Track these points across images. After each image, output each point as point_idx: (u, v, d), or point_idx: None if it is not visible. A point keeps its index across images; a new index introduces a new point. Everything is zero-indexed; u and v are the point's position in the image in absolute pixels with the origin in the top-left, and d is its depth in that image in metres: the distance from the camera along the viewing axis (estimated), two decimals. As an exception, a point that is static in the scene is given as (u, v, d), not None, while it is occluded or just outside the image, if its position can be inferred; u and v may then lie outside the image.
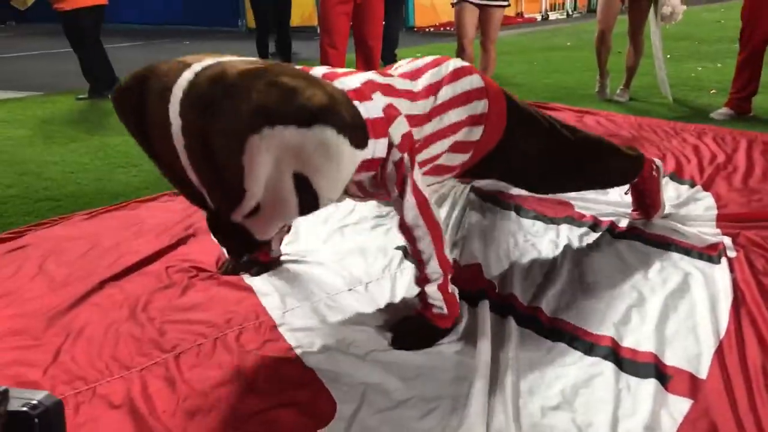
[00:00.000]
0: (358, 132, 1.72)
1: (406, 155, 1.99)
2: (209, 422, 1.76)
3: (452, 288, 2.15)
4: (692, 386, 1.86)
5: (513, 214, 3.08)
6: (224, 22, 11.26)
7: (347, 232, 2.95)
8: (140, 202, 3.32)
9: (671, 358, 1.99)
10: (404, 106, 2.09)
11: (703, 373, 1.92)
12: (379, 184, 2.05)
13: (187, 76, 1.66)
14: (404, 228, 2.07)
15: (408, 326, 2.16)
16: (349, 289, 2.45)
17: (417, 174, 2.05)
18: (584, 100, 5.49)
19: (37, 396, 0.82)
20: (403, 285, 2.47)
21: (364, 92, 1.96)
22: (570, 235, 2.82)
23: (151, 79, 1.71)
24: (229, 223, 1.81)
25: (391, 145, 1.96)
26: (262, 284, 2.46)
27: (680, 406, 1.79)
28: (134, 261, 2.65)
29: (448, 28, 9.82)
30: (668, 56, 5.60)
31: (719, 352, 2.00)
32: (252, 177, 1.64)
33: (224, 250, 2.68)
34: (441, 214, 3.00)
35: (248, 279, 2.50)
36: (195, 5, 11.41)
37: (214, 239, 1.97)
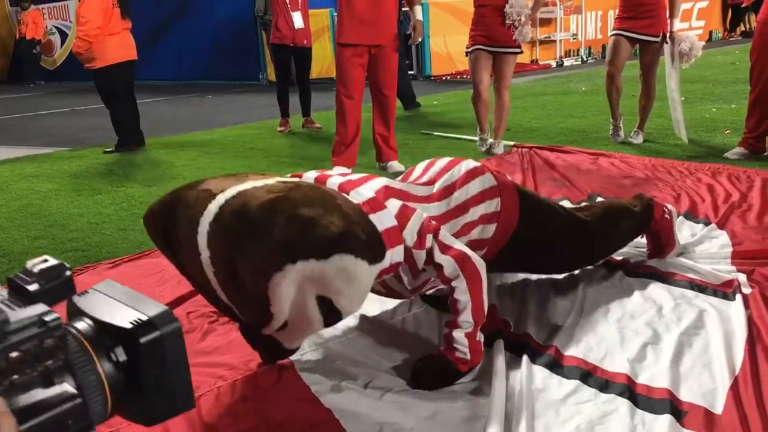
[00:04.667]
0: (375, 249, 1.84)
1: (428, 243, 2.07)
2: (228, 463, 1.80)
3: (480, 336, 2.17)
4: (707, 421, 1.87)
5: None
6: (246, 76, 11.54)
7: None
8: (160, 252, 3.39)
9: (686, 394, 1.99)
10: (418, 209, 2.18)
11: (718, 409, 1.92)
12: (414, 273, 2.14)
13: (213, 209, 1.80)
14: (446, 282, 2.12)
15: (427, 366, 2.19)
16: (366, 330, 2.48)
17: (444, 236, 2.12)
18: (598, 143, 5.54)
19: (150, 311, 0.65)
20: (419, 326, 2.50)
21: (378, 201, 2.05)
22: (585, 274, 2.84)
23: (179, 209, 1.88)
24: (259, 334, 1.96)
25: (408, 250, 2.03)
26: (280, 327, 2.51)
27: (695, 441, 1.79)
28: (156, 307, 2.71)
29: (464, 76, 9.98)
30: (683, 98, 5.63)
31: (734, 388, 2.01)
32: (277, 305, 1.77)
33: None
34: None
35: (267, 322, 2.55)
36: (218, 61, 11.72)
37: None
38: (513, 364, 2.19)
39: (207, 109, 9.39)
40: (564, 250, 2.60)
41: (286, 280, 1.72)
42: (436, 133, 6.39)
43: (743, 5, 13.02)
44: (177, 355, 0.66)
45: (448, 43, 10.97)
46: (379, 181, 2.18)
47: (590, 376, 2.12)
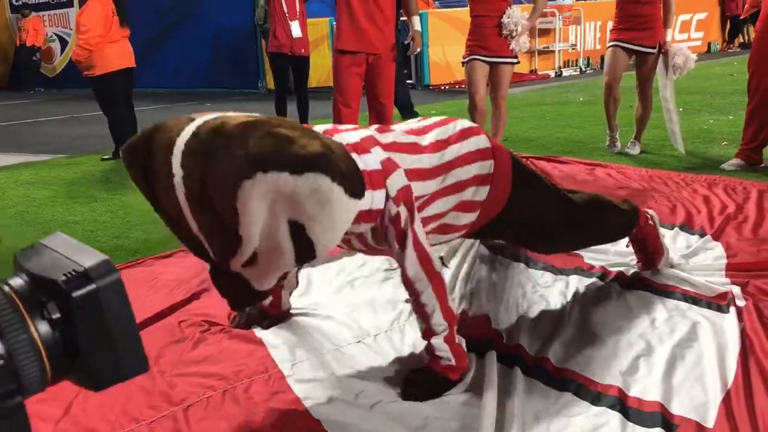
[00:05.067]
0: (354, 181, 1.77)
1: (402, 208, 2.03)
2: (216, 473, 1.79)
3: (459, 339, 2.17)
4: (699, 435, 1.86)
5: (522, 265, 3.10)
6: (245, 84, 11.57)
7: (357, 285, 2.99)
8: (156, 259, 3.39)
9: (678, 408, 1.98)
10: (407, 160, 2.15)
11: (710, 422, 1.91)
12: (380, 238, 2.10)
13: (190, 128, 1.75)
14: (407, 281, 2.11)
15: (416, 378, 2.18)
16: (358, 341, 2.47)
17: (418, 228, 2.09)
18: (595, 153, 5.54)
19: (87, 261, 0.58)
20: (411, 337, 2.49)
21: (363, 146, 2.03)
22: (579, 286, 2.84)
23: (158, 134, 1.81)
24: (229, 274, 1.86)
25: (388, 197, 2.01)
26: (272, 336, 2.50)
27: (686, 454, 1.78)
28: (148, 316, 2.70)
29: (462, 85, 9.97)
30: (680, 110, 5.64)
31: (726, 401, 1.99)
32: (247, 223, 1.69)
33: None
34: (450, 265, 3.05)
35: (259, 332, 2.54)
36: (217, 69, 11.75)
37: (217, 290, 2.01)
38: (505, 375, 2.18)
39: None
40: (555, 223, 2.52)
41: (255, 191, 1.65)
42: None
43: (742, 17, 13.07)
44: (118, 310, 0.59)
45: (447, 52, 11.00)
46: (367, 131, 2.15)
47: (582, 388, 2.11)
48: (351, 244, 2.20)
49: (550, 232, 2.57)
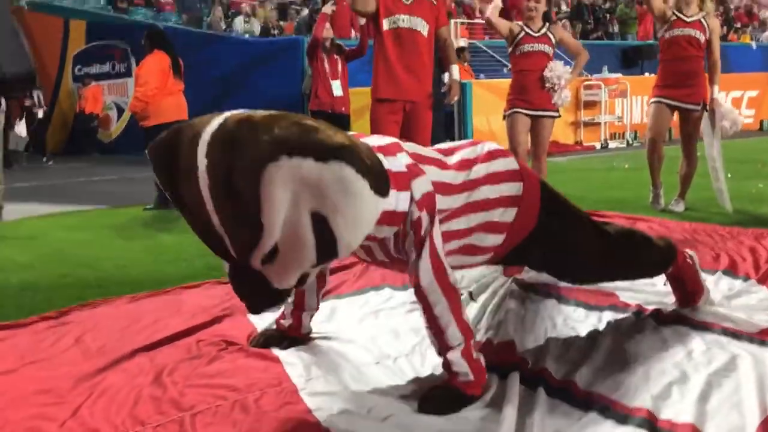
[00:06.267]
0: (379, 177, 1.74)
1: (424, 214, 2.00)
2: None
3: (477, 354, 2.09)
4: (734, 456, 1.71)
5: (554, 301, 2.99)
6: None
7: (382, 316, 2.91)
8: (183, 288, 3.38)
9: (712, 430, 1.84)
10: (432, 171, 2.13)
11: (747, 445, 1.76)
12: (398, 245, 2.05)
13: (216, 121, 1.75)
14: (419, 292, 2.05)
15: (434, 393, 2.09)
16: (377, 363, 2.39)
17: (437, 238, 2.05)
18: (639, 210, 5.40)
19: None
20: (432, 361, 2.39)
21: (390, 149, 2.01)
22: (612, 320, 2.71)
23: (185, 130, 1.83)
24: (248, 272, 1.82)
25: (412, 200, 1.97)
26: (288, 355, 2.44)
27: (719, 474, 1.64)
28: (167, 335, 2.67)
29: (506, 153, 9.98)
30: (729, 176, 5.50)
31: (764, 426, 1.84)
32: (269, 210, 1.67)
33: (255, 324, 2.70)
34: (480, 299, 2.96)
35: (276, 351, 2.48)
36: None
37: (237, 295, 1.98)
38: (527, 395, 2.07)
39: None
40: (585, 250, 2.44)
41: (279, 176, 1.62)
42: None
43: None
44: None
45: (491, 121, 11.06)
46: (394, 139, 2.15)
47: (609, 409, 1.98)
48: (373, 253, 2.16)
49: (579, 259, 2.49)
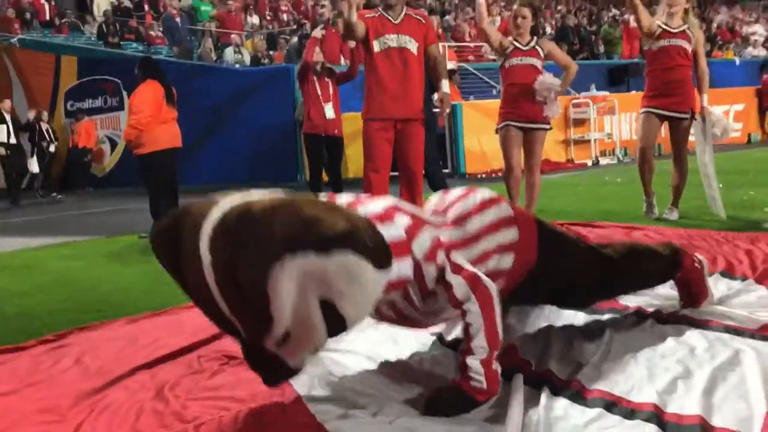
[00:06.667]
0: (381, 254, 1.76)
1: (439, 260, 2.02)
2: (221, 480, 1.69)
3: (496, 365, 2.07)
4: (743, 443, 1.70)
5: (553, 307, 2.97)
6: (285, 176, 11.79)
7: (382, 327, 2.89)
8: (182, 309, 3.36)
9: (719, 421, 1.83)
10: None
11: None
12: (423, 293, 2.06)
13: (217, 214, 1.77)
14: (456, 304, 2.05)
15: (442, 394, 2.08)
16: (381, 368, 2.38)
17: (455, 257, 2.07)
18: (633, 221, 5.42)
19: None
20: (438, 365, 2.39)
21: (387, 215, 2.02)
22: (612, 320, 2.71)
23: (185, 219, 1.85)
24: (262, 352, 1.86)
25: (418, 264, 1.98)
26: (291, 366, 2.42)
27: (729, 461, 1.63)
28: (167, 353, 2.65)
29: (499, 173, 10.02)
30: (720, 185, 5.54)
31: (773, 414, 1.84)
32: (278, 304, 1.70)
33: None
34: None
35: (278, 363, 2.46)
36: (259, 164, 12.01)
37: (253, 371, 2.00)
38: (532, 395, 2.06)
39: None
40: (586, 284, 2.49)
41: (285, 274, 1.65)
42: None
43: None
44: None
45: (482, 141, 11.11)
46: (390, 201, 2.14)
47: (615, 405, 1.97)
48: (381, 311, 2.17)
49: (583, 290, 2.54)
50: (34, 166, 12.50)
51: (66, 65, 13.89)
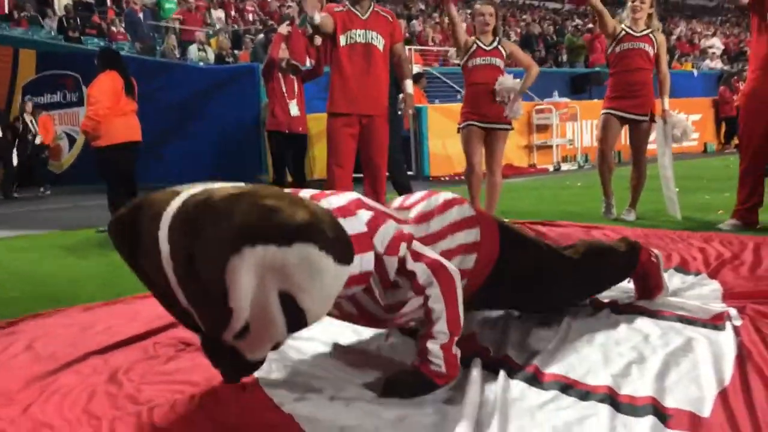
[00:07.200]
0: (342, 248, 1.73)
1: (401, 252, 2.01)
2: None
3: (456, 350, 2.07)
4: (693, 423, 1.74)
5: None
6: (249, 175, 11.68)
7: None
8: (138, 298, 3.31)
9: (671, 402, 1.87)
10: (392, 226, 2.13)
11: (705, 413, 1.79)
12: (385, 285, 2.05)
13: (176, 203, 1.74)
14: (419, 291, 2.04)
15: (401, 377, 2.07)
16: (339, 356, 2.37)
17: (416, 246, 2.07)
18: (592, 221, 5.50)
19: None
20: (396, 353, 2.38)
21: (349, 209, 2.01)
22: (569, 311, 2.74)
23: (145, 208, 1.81)
24: (221, 346, 1.83)
25: (380, 257, 1.97)
26: (248, 352, 2.39)
27: (680, 437, 1.66)
28: (122, 339, 2.61)
29: (462, 176, 10.08)
30: (677, 189, 5.65)
31: (723, 395, 1.88)
32: (236, 296, 1.67)
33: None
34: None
35: (235, 349, 2.43)
36: (222, 161, 11.90)
37: (211, 365, 1.97)
38: (490, 379, 2.07)
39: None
40: (548, 286, 2.51)
41: (244, 265, 1.62)
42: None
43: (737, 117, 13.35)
44: None
45: (446, 145, 11.17)
46: (353, 195, 2.13)
47: (570, 388, 2.00)
48: (342, 307, 2.15)
49: (546, 288, 2.55)
50: (14, 158, 12.05)
51: (24, 59, 13.61)
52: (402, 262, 2.02)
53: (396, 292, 2.06)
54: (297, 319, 1.74)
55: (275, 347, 1.93)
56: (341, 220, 1.85)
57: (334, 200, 2.03)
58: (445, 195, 2.37)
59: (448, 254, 2.22)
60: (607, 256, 2.74)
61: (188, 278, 1.71)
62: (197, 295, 1.74)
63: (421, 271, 2.01)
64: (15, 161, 12.01)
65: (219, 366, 1.96)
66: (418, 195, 2.42)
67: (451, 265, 2.09)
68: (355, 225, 1.93)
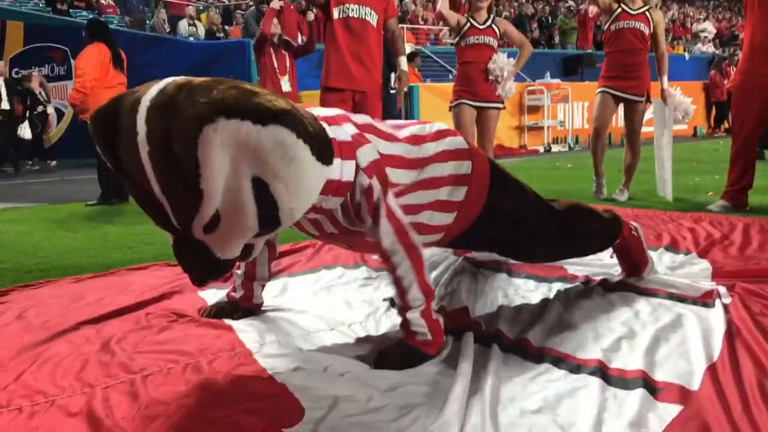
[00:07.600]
0: (321, 143, 1.71)
1: (375, 181, 1.99)
2: (169, 426, 1.67)
3: (436, 315, 2.09)
4: (683, 395, 1.76)
5: (504, 275, 3.02)
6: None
7: (335, 290, 2.90)
8: (130, 270, 3.31)
9: (661, 375, 1.89)
10: (381, 144, 2.12)
11: (694, 386, 1.82)
12: (352, 215, 2.04)
13: (157, 87, 1.72)
14: (383, 254, 2.04)
15: (391, 350, 2.09)
16: (331, 329, 2.38)
17: (392, 200, 2.05)
18: (583, 200, 5.52)
19: None
20: (387, 326, 2.40)
21: (336, 120, 2.00)
22: (561, 289, 2.76)
23: (125, 97, 1.78)
24: (191, 243, 1.79)
25: (358, 169, 1.96)
26: (241, 324, 2.40)
27: (669, 409, 1.69)
28: (114, 309, 2.60)
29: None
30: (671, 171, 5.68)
31: (712, 369, 1.90)
32: (208, 175, 1.64)
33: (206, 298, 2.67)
34: (432, 276, 2.97)
35: (229, 321, 2.44)
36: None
37: (180, 267, 1.94)
38: (482, 352, 2.09)
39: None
40: (534, 230, 2.47)
41: (218, 138, 1.59)
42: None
43: (727, 102, 13.40)
44: None
45: (437, 124, 11.21)
46: (342, 111, 2.13)
47: (561, 361, 2.02)
48: (321, 226, 2.14)
49: (530, 238, 2.51)
50: (26, 131, 11.79)
51: (12, 31, 13.43)
52: (375, 206, 2.00)
53: (357, 224, 2.07)
54: (269, 212, 1.71)
55: (246, 254, 1.89)
56: (325, 125, 1.84)
57: (320, 111, 2.03)
58: (439, 125, 2.35)
59: (438, 182, 2.20)
60: (591, 217, 2.72)
61: (161, 158, 1.67)
62: (170, 180, 1.69)
63: (386, 233, 2.00)
64: (28, 134, 11.73)
65: (188, 268, 1.89)
66: (410, 121, 2.41)
67: (416, 235, 2.08)
68: (339, 133, 1.93)
